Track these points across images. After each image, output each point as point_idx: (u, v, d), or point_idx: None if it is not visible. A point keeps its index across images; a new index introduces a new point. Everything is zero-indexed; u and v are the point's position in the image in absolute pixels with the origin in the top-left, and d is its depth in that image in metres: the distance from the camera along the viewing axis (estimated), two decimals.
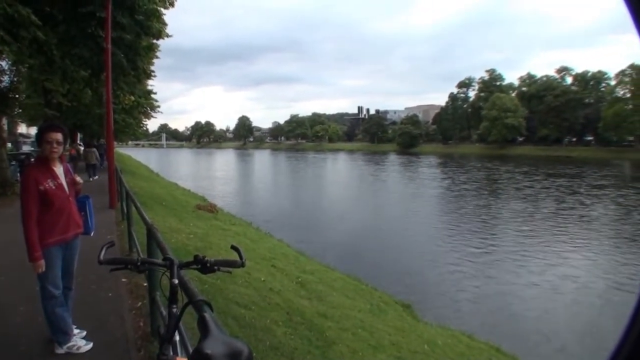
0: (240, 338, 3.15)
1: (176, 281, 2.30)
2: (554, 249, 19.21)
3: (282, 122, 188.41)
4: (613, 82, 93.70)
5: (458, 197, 36.44)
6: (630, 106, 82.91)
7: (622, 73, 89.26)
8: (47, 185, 4.04)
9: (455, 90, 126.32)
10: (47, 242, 4.03)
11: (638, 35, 0.84)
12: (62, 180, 4.25)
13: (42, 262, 3.96)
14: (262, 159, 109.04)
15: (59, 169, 4.27)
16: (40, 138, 4.12)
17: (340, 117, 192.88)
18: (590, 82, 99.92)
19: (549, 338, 11.22)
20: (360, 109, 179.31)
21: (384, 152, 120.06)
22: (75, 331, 4.44)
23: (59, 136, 4.12)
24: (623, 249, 19.49)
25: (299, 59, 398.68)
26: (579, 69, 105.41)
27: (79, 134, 42.07)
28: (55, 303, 4.15)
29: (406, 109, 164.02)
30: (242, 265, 2.48)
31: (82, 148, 28.56)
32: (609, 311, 12.88)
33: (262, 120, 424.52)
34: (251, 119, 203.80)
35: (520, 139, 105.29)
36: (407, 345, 7.84)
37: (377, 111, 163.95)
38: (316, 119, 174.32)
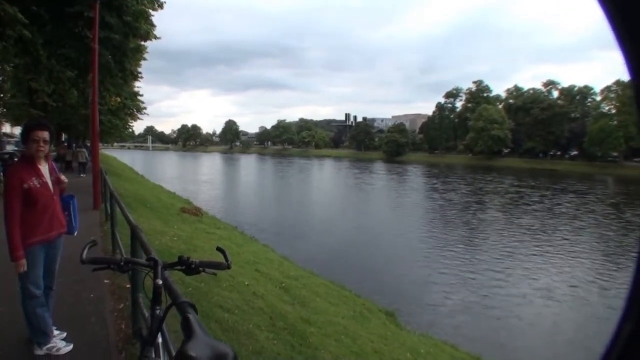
0: (224, 341, 3.12)
1: (160, 282, 2.27)
2: (541, 261, 19.44)
3: (269, 127, 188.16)
4: (599, 98, 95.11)
5: (445, 207, 36.58)
6: (615, 122, 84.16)
7: (607, 89, 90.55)
8: (31, 183, 3.98)
9: (442, 100, 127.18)
10: (30, 242, 3.97)
11: (617, 46, 0.85)
12: (47, 178, 4.19)
13: (24, 261, 3.90)
14: (248, 163, 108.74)
15: (44, 168, 4.21)
16: (26, 136, 4.05)
17: (327, 124, 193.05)
18: (577, 96, 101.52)
19: (532, 350, 11.31)
20: (347, 116, 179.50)
21: (370, 159, 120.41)
22: (55, 332, 4.37)
23: (45, 134, 4.06)
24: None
25: (287, 65, 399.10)
26: (565, 83, 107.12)
27: (64, 135, 41.72)
28: (36, 303, 4.08)
29: (393, 117, 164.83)
30: (228, 267, 2.45)
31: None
32: (592, 319, 13.06)
33: (249, 125, 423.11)
34: (238, 124, 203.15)
35: (506, 150, 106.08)
36: (390, 353, 7.84)
37: (365, 119, 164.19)
38: (303, 125, 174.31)
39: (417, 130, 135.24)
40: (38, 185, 4.05)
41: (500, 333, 12.22)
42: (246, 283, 8.32)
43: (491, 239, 23.86)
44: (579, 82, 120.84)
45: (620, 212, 34.29)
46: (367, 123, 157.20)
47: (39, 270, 4.12)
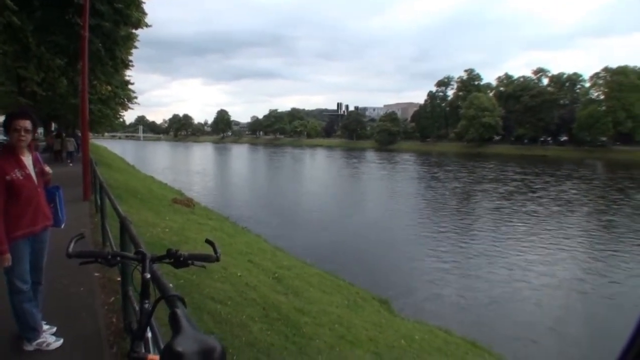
0: (213, 335, 3.06)
1: (148, 275, 2.23)
2: (533, 246, 19.59)
3: (260, 116, 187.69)
4: (587, 84, 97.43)
5: (439, 196, 36.64)
6: (604, 108, 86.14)
7: (596, 75, 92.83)
8: (14, 175, 3.85)
9: (434, 89, 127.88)
10: (15, 235, 3.86)
11: None
12: (31, 170, 4.07)
13: (8, 255, 3.79)
14: (240, 153, 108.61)
15: (27, 159, 4.08)
16: (7, 125, 3.92)
17: (319, 113, 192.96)
18: (566, 83, 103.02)
19: (525, 333, 11.38)
20: (339, 105, 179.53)
21: (362, 148, 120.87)
22: (45, 327, 4.30)
23: (27, 123, 3.93)
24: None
25: (279, 54, 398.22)
26: (555, 70, 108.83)
27: (53, 124, 41.45)
28: (23, 298, 4.00)
29: (385, 106, 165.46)
30: (217, 259, 2.41)
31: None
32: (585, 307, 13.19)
33: (241, 114, 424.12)
34: (230, 113, 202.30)
35: (497, 137, 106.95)
36: (384, 340, 7.86)
37: (356, 108, 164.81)
38: (295, 115, 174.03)
39: (409, 119, 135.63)
40: (21, 177, 3.92)
41: (496, 318, 12.29)
42: (239, 274, 8.29)
43: (495, 226, 23.88)
44: (568, 69, 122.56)
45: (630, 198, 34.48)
46: (358, 112, 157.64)
47: (25, 265, 4.02)
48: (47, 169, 4.35)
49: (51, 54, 19.01)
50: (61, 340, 4.25)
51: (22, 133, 3.92)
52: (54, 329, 4.41)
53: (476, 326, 11.38)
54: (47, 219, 4.29)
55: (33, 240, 4.12)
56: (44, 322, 4.30)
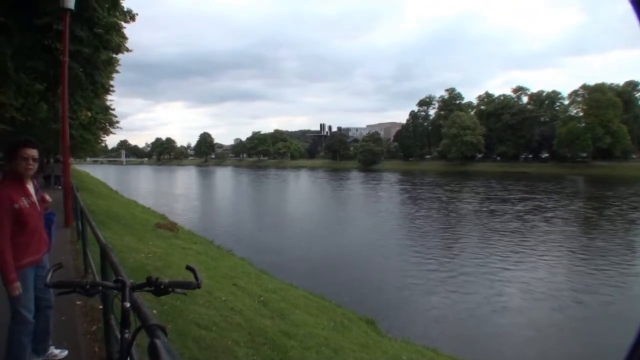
0: None
1: (128, 304, 2.21)
2: (514, 264, 19.62)
3: (244, 139, 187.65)
4: (566, 102, 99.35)
5: (422, 215, 36.72)
6: (583, 124, 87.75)
7: (574, 93, 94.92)
8: (21, 203, 3.88)
9: (416, 109, 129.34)
10: (22, 263, 3.86)
11: None
12: (35, 198, 4.12)
13: (18, 284, 3.77)
14: (224, 176, 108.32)
15: (31, 187, 4.13)
16: (13, 154, 3.94)
17: (302, 134, 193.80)
18: (545, 101, 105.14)
19: (514, 351, 11.37)
20: (322, 126, 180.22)
21: (346, 168, 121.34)
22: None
23: (34, 152, 3.98)
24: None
25: (261, 76, 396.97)
26: (534, 88, 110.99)
27: None
28: (24, 330, 3.93)
29: (368, 126, 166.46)
30: (198, 286, 2.39)
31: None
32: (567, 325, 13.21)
33: (224, 136, 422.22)
34: (213, 136, 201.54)
35: (479, 155, 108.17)
36: None
37: (339, 128, 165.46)
38: (278, 136, 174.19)
39: (392, 138, 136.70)
40: (28, 205, 3.95)
41: (484, 336, 12.26)
42: (223, 298, 8.20)
43: (468, 244, 24.00)
44: (547, 88, 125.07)
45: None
46: (342, 133, 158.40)
47: (31, 294, 3.99)
48: (47, 197, 4.40)
49: (30, 79, 18.85)
50: None
51: (30, 162, 3.97)
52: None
53: (464, 344, 11.35)
54: (46, 245, 4.33)
55: (36, 268, 4.12)
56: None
